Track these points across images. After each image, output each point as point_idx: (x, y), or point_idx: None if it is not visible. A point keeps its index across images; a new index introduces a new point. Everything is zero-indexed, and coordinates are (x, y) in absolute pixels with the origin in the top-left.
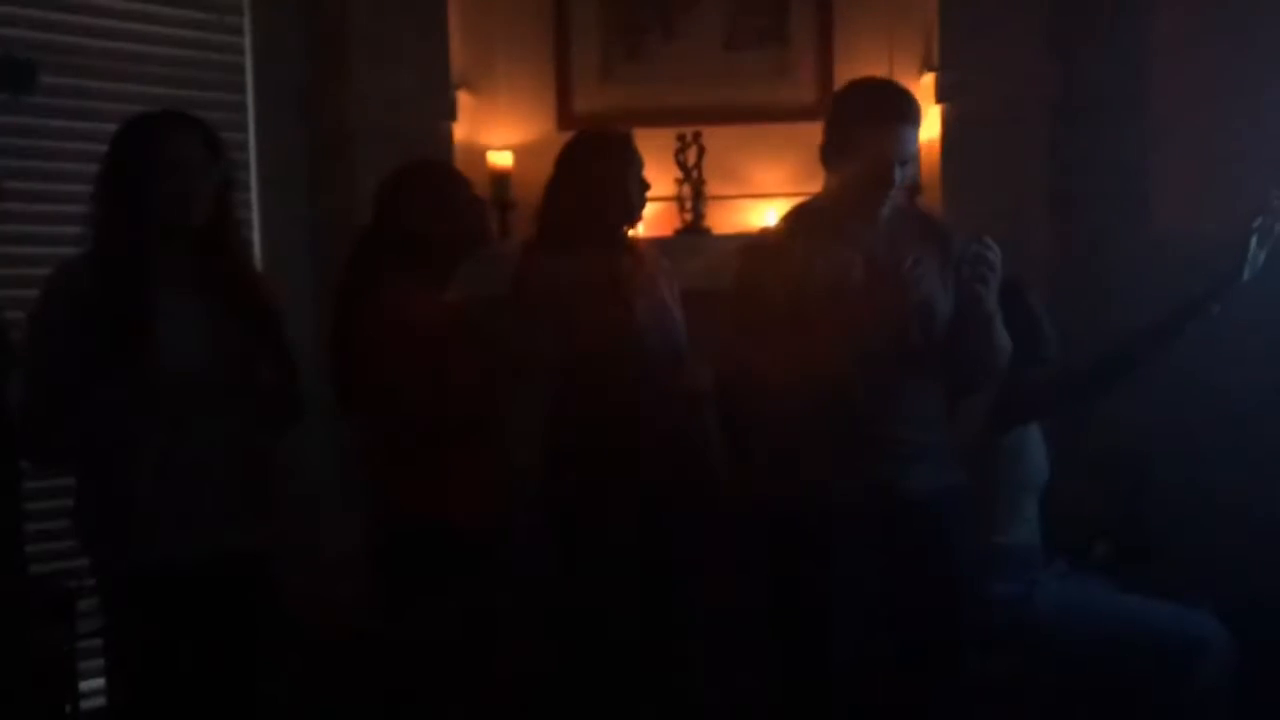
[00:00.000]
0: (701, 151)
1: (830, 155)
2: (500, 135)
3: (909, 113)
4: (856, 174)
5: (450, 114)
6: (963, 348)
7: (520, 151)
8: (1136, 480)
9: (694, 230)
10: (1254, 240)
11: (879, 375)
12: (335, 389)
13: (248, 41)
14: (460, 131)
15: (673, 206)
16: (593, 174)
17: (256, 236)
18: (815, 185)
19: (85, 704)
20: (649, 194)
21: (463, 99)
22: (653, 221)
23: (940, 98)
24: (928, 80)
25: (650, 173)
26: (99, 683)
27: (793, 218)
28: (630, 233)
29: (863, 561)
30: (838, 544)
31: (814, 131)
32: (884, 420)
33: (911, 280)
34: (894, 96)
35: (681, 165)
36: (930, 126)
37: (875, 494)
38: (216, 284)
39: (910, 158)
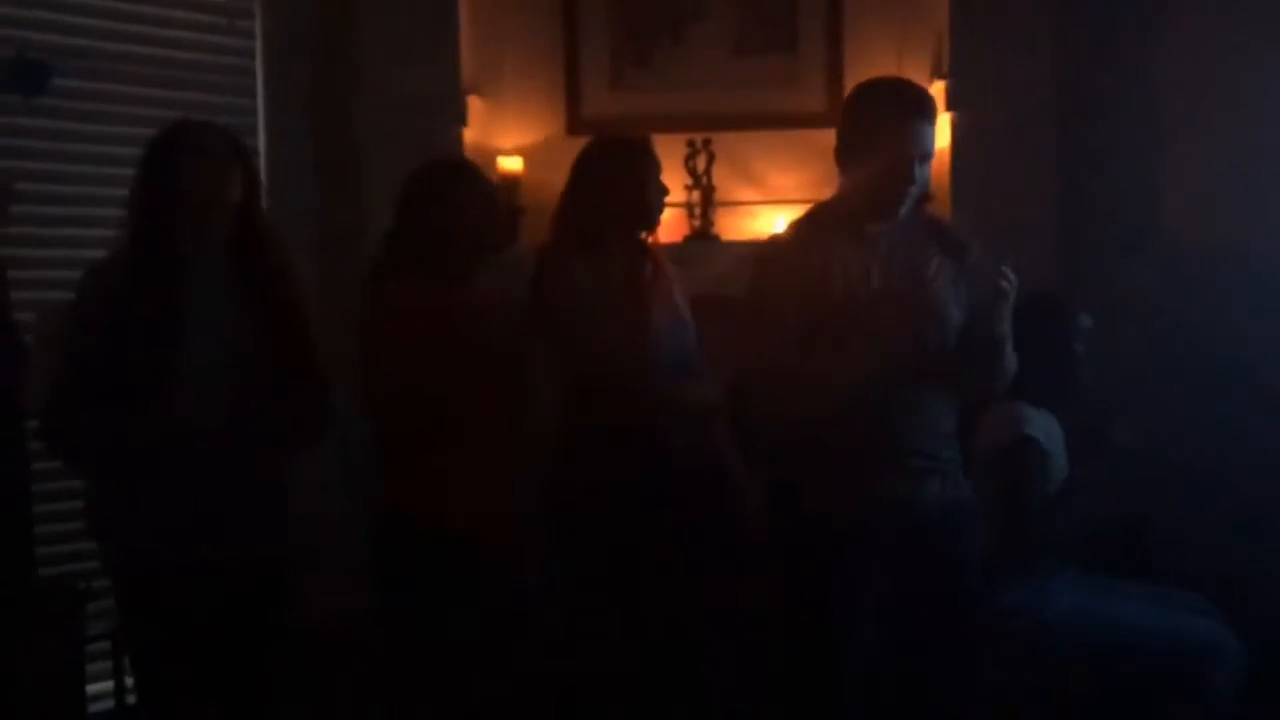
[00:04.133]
0: (711, 158)
1: (845, 155)
2: (510, 139)
3: (926, 109)
4: (874, 172)
5: (460, 118)
6: (969, 364)
7: (530, 156)
8: (1149, 488)
9: (703, 236)
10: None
11: (893, 386)
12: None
13: (258, 45)
14: (470, 136)
15: (682, 213)
16: (612, 179)
17: None
18: (825, 191)
19: (93, 707)
20: None
21: (472, 103)
22: (662, 227)
23: (950, 105)
24: (938, 88)
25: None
26: (107, 685)
27: (808, 220)
28: (647, 238)
29: (876, 576)
30: (852, 559)
31: (824, 138)
32: (899, 433)
33: (933, 290)
34: (910, 93)
35: (691, 171)
36: (940, 134)
37: (890, 509)
38: (247, 294)
39: (928, 155)
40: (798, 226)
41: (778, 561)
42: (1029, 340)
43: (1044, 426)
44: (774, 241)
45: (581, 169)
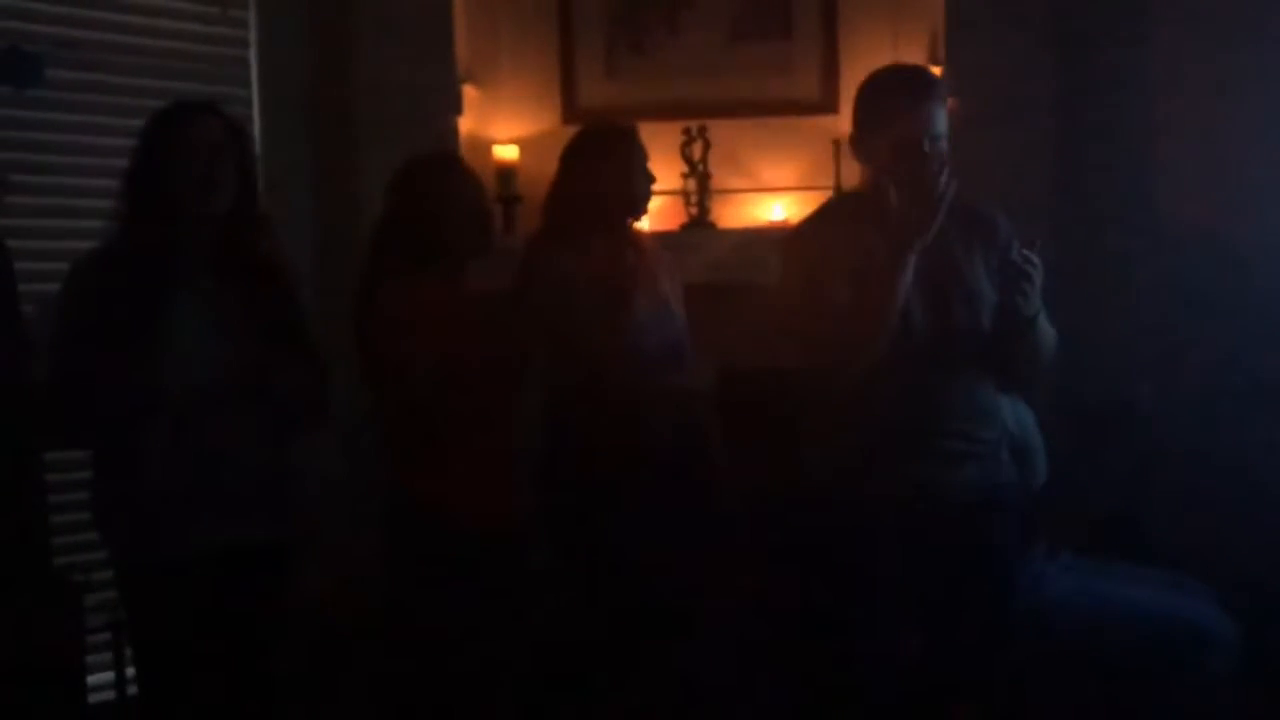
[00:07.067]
0: (707, 145)
1: (859, 145)
2: (506, 129)
3: (932, 90)
4: (886, 158)
5: (456, 108)
6: (1005, 343)
7: (526, 145)
8: (1137, 472)
9: (700, 224)
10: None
11: (925, 367)
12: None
13: (252, 34)
14: (466, 125)
15: (679, 200)
16: (598, 167)
17: None
18: (821, 178)
19: (92, 698)
20: (655, 188)
21: (468, 93)
22: (659, 215)
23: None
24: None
25: (656, 166)
26: (107, 676)
27: (834, 205)
28: (635, 226)
29: (905, 559)
30: (885, 543)
31: (819, 124)
32: (930, 415)
33: (965, 271)
34: (915, 76)
35: (687, 159)
36: None
37: (920, 491)
38: (240, 278)
39: (938, 135)
40: (824, 211)
41: (778, 545)
42: None
43: (1013, 414)
44: (803, 226)
45: (568, 158)
